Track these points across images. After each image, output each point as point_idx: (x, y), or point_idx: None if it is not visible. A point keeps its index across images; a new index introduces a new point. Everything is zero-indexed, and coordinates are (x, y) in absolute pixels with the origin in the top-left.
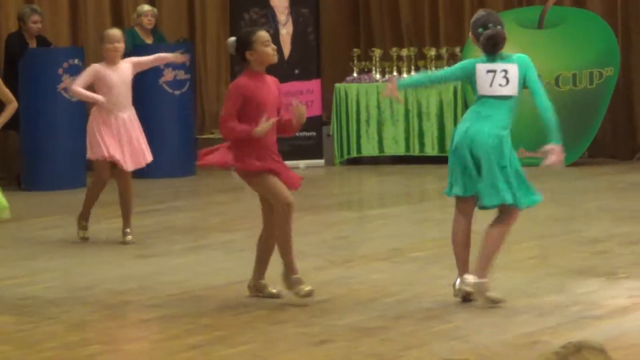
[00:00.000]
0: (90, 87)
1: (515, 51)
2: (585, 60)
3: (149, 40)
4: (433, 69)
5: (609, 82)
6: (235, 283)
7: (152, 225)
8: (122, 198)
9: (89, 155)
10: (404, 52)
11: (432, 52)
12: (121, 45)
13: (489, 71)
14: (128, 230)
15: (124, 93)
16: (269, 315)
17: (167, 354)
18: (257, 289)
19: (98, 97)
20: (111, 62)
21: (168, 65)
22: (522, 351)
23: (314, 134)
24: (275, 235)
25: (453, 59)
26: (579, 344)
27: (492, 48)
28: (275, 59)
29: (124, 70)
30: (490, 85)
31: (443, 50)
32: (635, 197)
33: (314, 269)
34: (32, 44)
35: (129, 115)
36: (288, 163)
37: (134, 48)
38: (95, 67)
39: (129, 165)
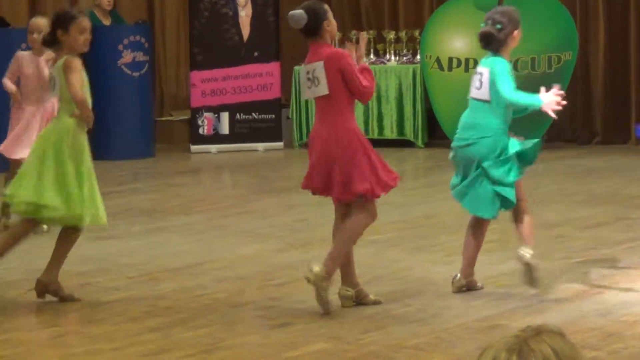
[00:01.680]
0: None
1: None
2: (544, 44)
3: (107, 22)
4: (392, 52)
5: (567, 67)
6: (195, 265)
7: (111, 207)
8: None
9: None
10: (363, 35)
11: (392, 35)
12: (39, 37)
13: (476, 72)
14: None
15: (38, 86)
16: (229, 298)
17: (127, 336)
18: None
19: (12, 87)
20: (34, 52)
21: (127, 46)
22: (482, 335)
23: (273, 116)
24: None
25: (412, 42)
26: (538, 328)
27: (482, 46)
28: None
29: (41, 63)
30: (472, 86)
31: (402, 34)
32: (592, 181)
33: (274, 252)
34: None
35: (41, 109)
36: (247, 145)
37: (92, 29)
38: (20, 54)
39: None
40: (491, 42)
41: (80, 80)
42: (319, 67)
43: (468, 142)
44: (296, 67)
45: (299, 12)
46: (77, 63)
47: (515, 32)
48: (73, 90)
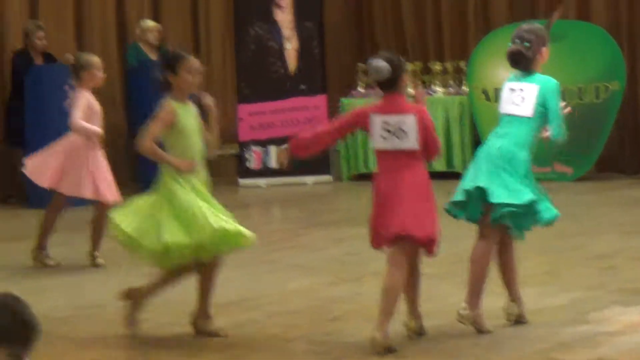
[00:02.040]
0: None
1: None
2: (591, 74)
3: (153, 56)
4: (438, 83)
5: (615, 97)
6: (245, 300)
7: None
8: (98, 228)
9: (81, 192)
10: (410, 67)
11: (438, 66)
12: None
13: (511, 89)
14: (97, 253)
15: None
16: (282, 333)
17: None
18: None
19: (96, 129)
20: (93, 89)
21: None
22: None
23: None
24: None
25: (458, 73)
26: None
27: (511, 65)
28: None
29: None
30: (508, 103)
31: (448, 65)
32: None
33: (325, 285)
34: (38, 61)
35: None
36: (295, 179)
37: (139, 64)
38: (86, 95)
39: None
40: (520, 61)
41: (151, 130)
42: (408, 121)
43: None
44: (343, 99)
45: (383, 64)
46: (163, 112)
47: (544, 49)
48: (139, 139)
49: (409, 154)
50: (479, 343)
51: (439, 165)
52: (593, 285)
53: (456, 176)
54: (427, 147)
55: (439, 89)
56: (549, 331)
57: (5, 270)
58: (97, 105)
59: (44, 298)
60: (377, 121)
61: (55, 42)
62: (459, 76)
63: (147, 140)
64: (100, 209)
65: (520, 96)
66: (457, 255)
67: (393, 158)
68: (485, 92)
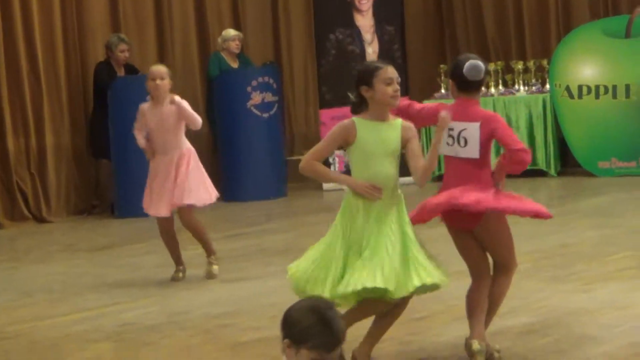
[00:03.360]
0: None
1: (602, 61)
2: None
3: (235, 65)
4: (521, 82)
5: None
6: None
7: (245, 248)
8: (191, 232)
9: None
10: (491, 67)
11: (520, 65)
12: (164, 83)
13: None
14: (211, 259)
15: (163, 135)
16: None
17: None
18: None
19: (140, 141)
20: (155, 100)
21: (255, 88)
22: None
23: (403, 151)
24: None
25: (540, 71)
26: None
27: None
28: None
29: (166, 112)
30: None
31: (530, 64)
32: None
33: None
34: (120, 73)
35: (171, 158)
36: None
37: (221, 73)
38: (142, 107)
39: (167, 210)
40: None
41: (317, 149)
42: (471, 129)
43: None
44: (425, 102)
45: (482, 64)
46: (336, 129)
47: None
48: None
49: (473, 163)
50: (563, 340)
51: None
52: None
53: (540, 173)
54: (505, 156)
55: (521, 88)
56: (635, 325)
57: (98, 277)
58: (153, 119)
59: (136, 305)
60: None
61: (138, 54)
62: (542, 74)
63: (311, 159)
64: (182, 216)
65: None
66: (542, 252)
67: (458, 164)
68: (568, 90)
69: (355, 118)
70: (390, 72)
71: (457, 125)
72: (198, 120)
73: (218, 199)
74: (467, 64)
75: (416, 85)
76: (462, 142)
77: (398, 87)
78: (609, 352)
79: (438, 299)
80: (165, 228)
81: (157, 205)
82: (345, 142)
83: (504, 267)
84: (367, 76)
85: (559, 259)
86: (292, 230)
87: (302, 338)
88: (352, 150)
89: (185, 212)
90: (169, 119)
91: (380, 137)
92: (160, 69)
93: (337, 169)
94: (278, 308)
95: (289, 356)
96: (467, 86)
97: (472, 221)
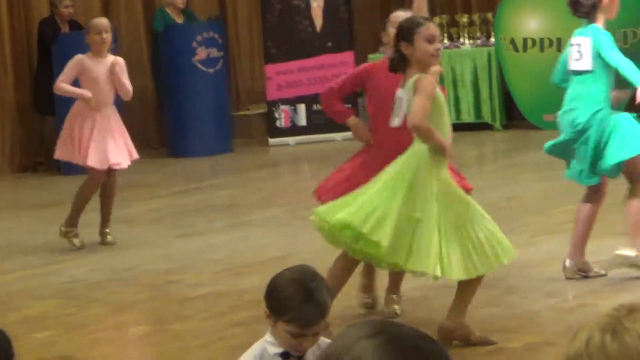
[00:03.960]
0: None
1: (547, 14)
2: (619, 19)
3: (180, 20)
4: (466, 35)
5: None
6: (279, 258)
7: (193, 204)
8: (107, 198)
9: (80, 161)
10: (436, 20)
11: (465, 18)
12: (109, 36)
13: (572, 44)
14: (108, 230)
15: (102, 90)
16: None
17: (214, 332)
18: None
19: (81, 92)
20: (97, 53)
21: (201, 43)
22: (571, 315)
23: (350, 106)
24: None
25: (485, 24)
26: (631, 306)
27: (572, 13)
28: None
29: (108, 66)
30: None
31: (475, 17)
32: None
33: None
34: (65, 29)
35: (113, 112)
36: (324, 136)
37: (166, 28)
38: (79, 59)
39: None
40: (579, 9)
41: (424, 106)
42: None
43: (572, 108)
44: (370, 56)
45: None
46: (428, 84)
47: None
48: (411, 116)
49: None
50: (512, 291)
51: (468, 116)
52: (624, 232)
53: (485, 127)
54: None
55: (466, 41)
56: (579, 277)
57: (44, 235)
58: (98, 70)
59: (82, 262)
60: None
61: (82, 10)
62: (487, 28)
63: (423, 118)
64: (110, 176)
65: (578, 51)
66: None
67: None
68: (513, 43)
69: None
70: (432, 29)
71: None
72: (130, 92)
73: (164, 155)
74: None
75: (361, 40)
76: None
77: (440, 45)
78: (555, 303)
79: None
80: (100, 183)
81: (103, 158)
82: (432, 98)
83: None
84: (407, 32)
85: (505, 212)
86: (238, 186)
87: (279, 309)
88: (433, 107)
89: (116, 175)
90: (110, 74)
91: (441, 94)
92: (104, 21)
93: (283, 125)
94: (223, 264)
95: (270, 325)
96: None
97: None
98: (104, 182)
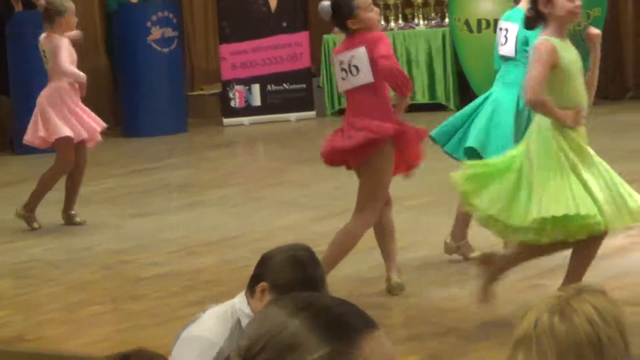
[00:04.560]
0: None
1: None
2: None
3: (134, 0)
4: (420, 16)
5: (597, 23)
6: (233, 238)
7: (148, 183)
8: (78, 175)
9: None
10: (391, 1)
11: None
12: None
13: (500, 28)
14: (74, 212)
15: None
16: None
17: (169, 311)
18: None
19: (83, 75)
20: (64, 34)
21: (155, 23)
22: (522, 295)
23: (304, 86)
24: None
25: (440, 5)
26: (579, 287)
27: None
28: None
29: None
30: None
31: None
32: (628, 136)
33: (314, 220)
34: (18, 7)
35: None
36: (279, 116)
37: (120, 7)
38: (66, 41)
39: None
40: None
41: (537, 76)
42: (358, 55)
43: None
44: (325, 36)
45: (325, 4)
46: (545, 49)
47: None
48: (523, 89)
49: (369, 89)
50: (465, 272)
51: (422, 96)
52: None
53: (440, 107)
54: (387, 78)
55: (421, 22)
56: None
57: None
58: (74, 52)
59: (37, 242)
60: (335, 63)
61: None
62: (441, 8)
63: (539, 91)
64: (80, 152)
65: (505, 36)
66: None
67: (356, 96)
68: (467, 24)
69: (548, 37)
70: None
71: (345, 56)
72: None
73: (119, 135)
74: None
75: (317, 19)
76: (353, 71)
77: (580, 2)
78: (504, 284)
79: None
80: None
81: (80, 129)
82: (554, 64)
83: (357, 210)
84: None
85: (457, 193)
86: (193, 166)
87: (285, 290)
88: (555, 72)
89: (87, 151)
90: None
91: (574, 54)
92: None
93: (237, 105)
94: (178, 243)
95: (258, 299)
96: (336, 24)
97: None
98: (76, 159)
